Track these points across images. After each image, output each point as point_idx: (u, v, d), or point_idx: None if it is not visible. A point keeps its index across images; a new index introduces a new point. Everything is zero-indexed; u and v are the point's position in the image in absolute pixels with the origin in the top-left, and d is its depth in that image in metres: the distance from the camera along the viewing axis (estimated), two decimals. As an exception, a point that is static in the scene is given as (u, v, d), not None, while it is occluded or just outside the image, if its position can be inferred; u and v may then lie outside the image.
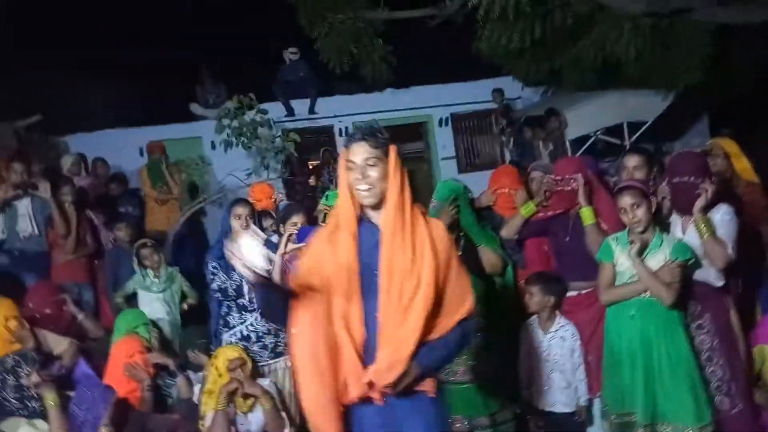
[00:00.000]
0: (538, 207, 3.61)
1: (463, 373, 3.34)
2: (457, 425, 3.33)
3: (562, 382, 3.27)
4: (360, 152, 2.08)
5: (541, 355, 3.32)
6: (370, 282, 2.09)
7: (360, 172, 2.07)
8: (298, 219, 3.54)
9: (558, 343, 3.31)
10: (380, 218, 2.12)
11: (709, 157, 3.69)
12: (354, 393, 2.10)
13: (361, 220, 2.16)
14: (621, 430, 2.98)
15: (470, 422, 3.34)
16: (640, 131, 7.44)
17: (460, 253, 3.45)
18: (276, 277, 3.19)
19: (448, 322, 2.13)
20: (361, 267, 2.10)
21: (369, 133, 2.10)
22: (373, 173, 2.07)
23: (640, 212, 2.95)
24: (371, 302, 2.09)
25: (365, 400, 2.11)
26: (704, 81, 6.47)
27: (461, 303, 2.16)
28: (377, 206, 2.12)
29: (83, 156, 6.62)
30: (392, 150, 2.10)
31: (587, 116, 7.42)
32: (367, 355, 2.09)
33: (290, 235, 3.24)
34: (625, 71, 6.65)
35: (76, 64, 8.39)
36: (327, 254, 2.13)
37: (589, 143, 7.55)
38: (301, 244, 3.03)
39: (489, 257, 3.50)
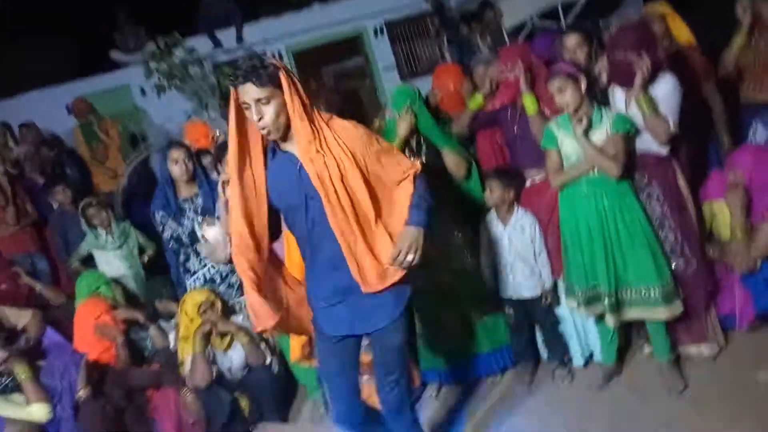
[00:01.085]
0: (486, 98, 3.57)
1: (442, 272, 3.40)
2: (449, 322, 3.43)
3: (526, 270, 3.35)
4: (248, 92, 2.06)
5: (503, 247, 3.38)
6: (308, 205, 2.21)
7: (256, 113, 2.07)
8: None
9: (518, 233, 3.36)
10: (292, 145, 2.21)
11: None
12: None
13: (275, 151, 2.23)
14: (588, 303, 3.08)
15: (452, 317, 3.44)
16: (575, 10, 7.34)
17: (423, 159, 3.45)
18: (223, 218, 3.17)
19: (405, 185, 2.30)
20: (294, 194, 2.21)
21: (252, 71, 2.05)
22: (270, 110, 2.08)
23: (567, 96, 2.95)
24: (319, 222, 2.22)
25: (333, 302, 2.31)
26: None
27: (406, 167, 2.32)
28: (288, 135, 2.19)
29: (8, 125, 6.25)
30: (283, 78, 2.08)
31: (521, 3, 7.28)
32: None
33: (224, 181, 3.14)
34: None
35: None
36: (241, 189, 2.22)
37: (526, 31, 7.43)
38: None
39: (453, 159, 3.48)
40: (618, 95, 3.12)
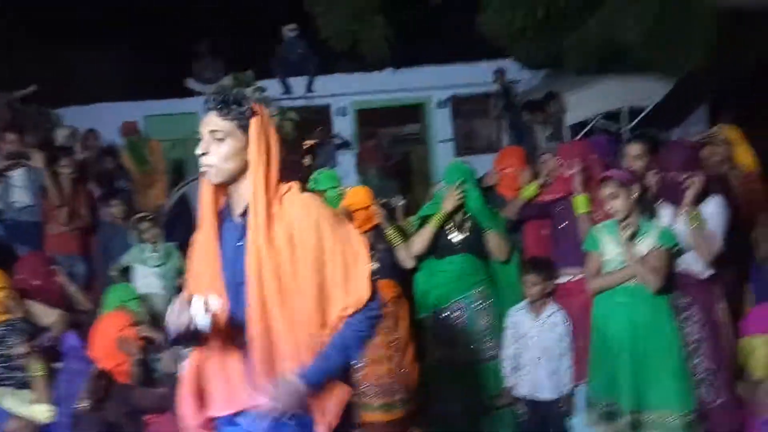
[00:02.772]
0: (540, 189, 3.59)
1: (462, 354, 3.40)
2: (452, 406, 3.38)
3: (550, 369, 3.28)
4: (207, 123, 1.74)
5: (530, 341, 3.32)
6: (236, 293, 1.77)
7: (203, 146, 1.73)
8: None
9: (549, 329, 3.31)
10: (241, 210, 1.79)
11: (710, 145, 3.68)
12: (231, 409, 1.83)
13: (225, 217, 1.83)
14: (607, 418, 2.99)
15: (462, 403, 3.38)
16: (640, 117, 7.39)
17: (466, 234, 3.47)
18: None
19: (342, 310, 1.78)
20: (226, 276, 1.79)
21: (222, 101, 1.73)
22: (218, 149, 1.72)
23: (618, 203, 2.96)
24: (240, 317, 1.78)
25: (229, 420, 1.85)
26: (708, 66, 6.40)
27: (347, 293, 1.78)
28: (233, 194, 1.80)
29: (76, 129, 6.57)
30: (254, 123, 1.74)
31: (587, 101, 7.35)
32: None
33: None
34: (628, 55, 6.58)
35: (75, 36, 8.31)
36: (195, 255, 1.86)
37: (587, 128, 7.49)
38: None
39: (496, 241, 3.49)
40: (665, 211, 3.11)
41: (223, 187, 1.81)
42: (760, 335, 3.13)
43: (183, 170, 7.22)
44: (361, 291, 1.78)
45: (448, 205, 3.46)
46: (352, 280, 1.79)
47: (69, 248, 4.99)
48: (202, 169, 1.77)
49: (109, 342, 3.60)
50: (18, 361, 3.19)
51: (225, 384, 1.83)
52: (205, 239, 1.81)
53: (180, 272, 4.66)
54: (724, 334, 3.08)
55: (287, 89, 8.59)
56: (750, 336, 3.17)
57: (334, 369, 1.78)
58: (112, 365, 3.54)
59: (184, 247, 5.09)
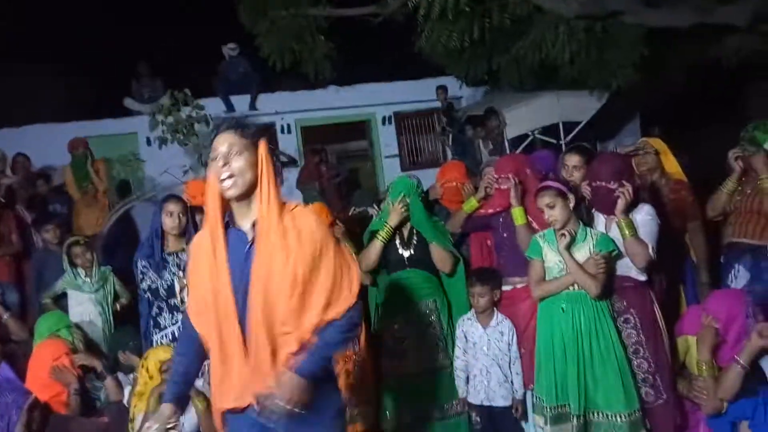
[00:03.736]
0: (480, 203, 3.66)
1: (413, 366, 3.41)
2: (404, 418, 3.39)
3: (501, 376, 3.32)
4: (225, 140, 1.98)
5: (480, 350, 3.37)
6: (245, 297, 1.97)
7: (223, 159, 1.96)
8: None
9: (497, 337, 3.36)
10: (248, 221, 2.02)
11: (639, 155, 3.83)
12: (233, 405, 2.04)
13: (228, 226, 2.05)
14: (555, 421, 3.04)
15: (414, 414, 3.39)
16: (575, 131, 7.66)
17: (412, 252, 3.53)
18: None
19: (330, 313, 1.98)
20: (234, 281, 1.98)
21: (237, 124, 2.02)
22: (238, 162, 1.96)
23: (556, 212, 3.05)
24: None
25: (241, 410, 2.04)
26: (637, 82, 6.71)
27: (342, 292, 2.00)
28: (242, 207, 2.02)
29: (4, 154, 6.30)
30: (262, 144, 2.00)
31: (525, 116, 7.59)
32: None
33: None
34: (561, 72, 6.82)
35: (7, 56, 8.01)
36: (200, 262, 2.05)
37: (527, 142, 7.71)
38: None
39: (439, 254, 3.53)
40: (599, 220, 3.23)
41: (225, 202, 2.02)
42: (694, 335, 3.28)
43: (123, 191, 7.01)
44: (350, 298, 2.01)
45: (392, 219, 3.50)
46: (344, 288, 2.01)
47: (-1, 276, 4.77)
48: (223, 183, 1.95)
49: (44, 372, 3.46)
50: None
51: (231, 381, 2.00)
52: (212, 248, 1.99)
53: (116, 295, 4.52)
54: (660, 335, 3.18)
55: (230, 107, 8.51)
56: (685, 335, 3.32)
57: (323, 363, 2.00)
58: (49, 396, 3.39)
59: (126, 269, 4.97)
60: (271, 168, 2.00)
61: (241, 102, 8.64)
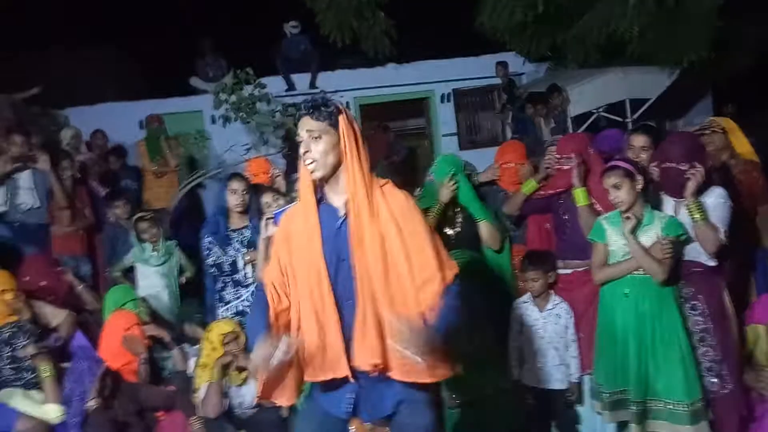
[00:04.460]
0: (540, 184, 3.59)
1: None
2: (465, 396, 3.34)
3: (556, 359, 3.29)
4: (304, 125, 2.04)
5: (536, 332, 3.33)
6: (337, 267, 2.06)
7: (304, 146, 2.04)
8: (269, 198, 3.58)
9: (553, 320, 3.32)
10: (340, 198, 2.09)
11: (706, 135, 3.67)
12: (335, 374, 2.07)
13: (320, 202, 2.12)
14: (613, 407, 3.00)
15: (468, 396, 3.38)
16: (643, 108, 7.36)
17: (458, 230, 3.50)
18: (260, 264, 3.26)
19: (431, 290, 2.05)
20: (326, 252, 2.06)
21: (312, 106, 2.04)
22: (317, 147, 2.02)
23: (622, 193, 2.95)
24: (341, 288, 2.06)
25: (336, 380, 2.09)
26: (709, 58, 6.38)
27: (442, 269, 2.07)
28: (332, 184, 2.08)
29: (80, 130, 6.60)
30: (342, 120, 2.04)
31: (589, 93, 7.34)
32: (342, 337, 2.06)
33: (269, 218, 3.25)
34: (629, 48, 6.55)
35: (77, 37, 8.32)
36: (293, 236, 2.11)
37: (590, 120, 7.48)
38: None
39: (489, 231, 3.51)
40: (667, 203, 3.11)
41: (318, 180, 2.08)
42: (765, 324, 3.15)
43: (190, 168, 7.23)
44: (454, 266, 2.12)
45: (444, 196, 3.47)
46: (445, 256, 2.11)
47: (73, 249, 5.00)
48: (307, 166, 2.03)
49: (116, 341, 3.63)
50: (26, 362, 3.21)
51: (327, 353, 2.05)
52: (306, 224, 2.08)
53: (182, 269, 4.69)
54: (729, 323, 3.07)
55: (290, 86, 8.59)
56: (755, 324, 3.19)
57: (449, 327, 2.05)
58: (120, 364, 3.57)
59: (192, 244, 5.14)
60: (355, 144, 2.03)
61: (301, 80, 8.71)
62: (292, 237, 2.12)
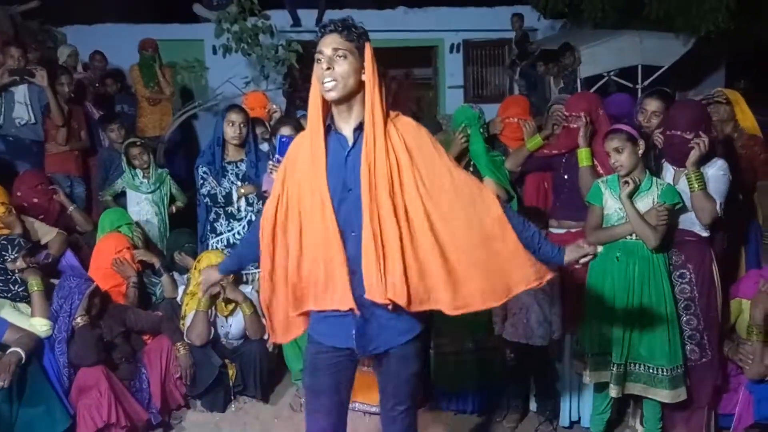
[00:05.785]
0: (545, 141, 3.54)
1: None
2: (447, 347, 3.43)
3: (540, 316, 3.31)
4: (330, 42, 1.95)
5: (523, 289, 3.35)
6: (342, 197, 2.01)
7: (327, 62, 1.94)
8: (286, 131, 3.48)
9: (540, 277, 3.33)
10: (348, 127, 2.03)
11: (712, 105, 3.62)
12: (340, 306, 2.02)
13: (329, 129, 2.05)
14: (594, 367, 3.05)
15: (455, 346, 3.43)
16: (654, 76, 7.24)
17: None
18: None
19: (490, 212, 2.04)
20: (331, 181, 2.00)
21: (344, 25, 1.96)
22: (341, 66, 1.94)
23: (623, 157, 2.93)
24: (344, 219, 2.00)
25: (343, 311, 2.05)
26: (728, 29, 6.24)
27: (486, 195, 2.08)
28: (342, 112, 2.01)
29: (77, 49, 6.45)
30: (368, 48, 1.97)
31: (602, 55, 7.19)
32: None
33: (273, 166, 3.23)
34: (647, 11, 6.39)
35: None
36: (298, 163, 2.06)
37: (601, 83, 7.36)
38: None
39: (492, 189, 3.45)
40: (668, 170, 3.10)
41: (327, 105, 2.02)
42: (749, 300, 3.18)
43: (186, 98, 7.10)
44: (493, 191, 2.16)
45: (453, 149, 3.43)
46: (482, 186, 2.13)
47: (68, 168, 4.96)
48: (325, 84, 1.94)
49: (107, 263, 3.65)
50: (16, 276, 3.22)
51: (335, 284, 2.00)
52: (313, 149, 2.00)
53: (173, 198, 4.67)
54: (714, 294, 3.09)
55: (296, 21, 8.39)
56: (741, 299, 3.22)
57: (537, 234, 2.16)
58: (109, 286, 3.59)
59: (182, 173, 5.07)
60: (377, 73, 1.97)
61: (307, 16, 8.51)
62: (296, 164, 2.07)
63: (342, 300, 2.00)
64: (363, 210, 1.96)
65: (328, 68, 1.93)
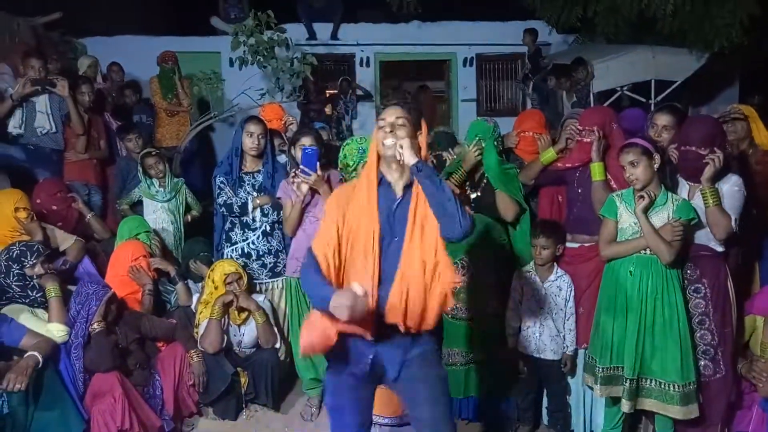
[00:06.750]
0: (558, 155, 3.56)
1: (465, 311, 3.43)
2: (456, 358, 3.44)
3: (553, 330, 3.32)
4: (393, 113, 2.32)
5: (536, 302, 3.36)
6: (387, 243, 2.27)
7: (390, 127, 2.30)
8: (307, 142, 3.53)
9: (555, 292, 3.34)
10: (401, 183, 2.32)
11: (729, 122, 3.62)
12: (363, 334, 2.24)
13: (381, 182, 2.34)
14: (606, 382, 3.04)
15: (466, 357, 3.44)
16: (668, 91, 7.23)
17: (479, 195, 3.51)
18: (286, 202, 3.49)
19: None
20: (380, 228, 2.26)
21: (402, 99, 2.39)
22: (401, 132, 2.29)
23: (638, 171, 2.94)
24: (385, 265, 2.25)
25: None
26: (741, 44, 6.23)
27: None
28: (391, 168, 2.31)
29: (98, 60, 6.56)
30: (424, 126, 2.36)
31: (615, 70, 7.19)
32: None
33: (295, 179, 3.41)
34: (660, 26, 6.40)
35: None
36: (351, 207, 2.30)
37: (614, 98, 7.36)
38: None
39: (503, 201, 3.46)
40: (683, 186, 3.10)
41: (381, 160, 2.33)
42: (764, 316, 3.16)
43: (203, 108, 7.19)
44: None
45: (466, 163, 3.47)
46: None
47: (86, 177, 5.04)
48: (388, 143, 2.28)
49: (123, 270, 3.69)
50: (34, 281, 3.27)
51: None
52: (367, 199, 2.29)
53: (188, 207, 4.74)
54: (729, 310, 3.08)
55: (311, 35, 8.48)
56: (754, 315, 3.21)
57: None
58: (125, 293, 3.64)
59: (197, 183, 5.12)
60: (427, 146, 2.35)
61: (323, 30, 8.59)
62: (348, 211, 2.30)
63: (365, 331, 2.23)
64: (403, 254, 2.24)
65: (391, 131, 2.29)
